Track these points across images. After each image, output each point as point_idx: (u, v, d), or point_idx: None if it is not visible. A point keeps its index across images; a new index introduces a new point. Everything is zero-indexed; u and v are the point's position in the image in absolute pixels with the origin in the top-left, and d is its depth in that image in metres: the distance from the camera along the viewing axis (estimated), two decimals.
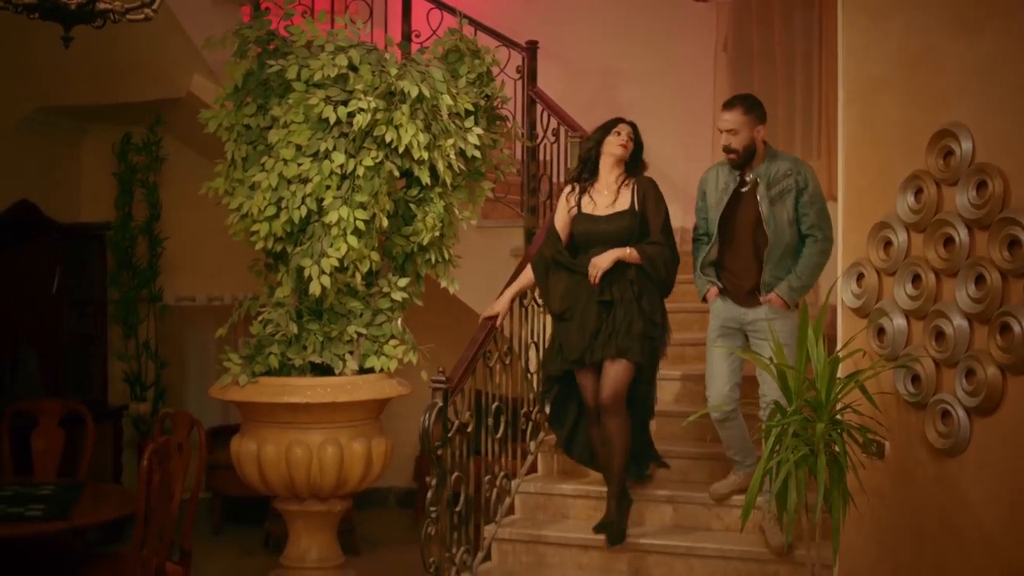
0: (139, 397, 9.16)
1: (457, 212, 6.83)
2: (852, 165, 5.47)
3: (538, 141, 8.05)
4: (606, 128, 6.36)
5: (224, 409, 9.46)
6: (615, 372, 6.05)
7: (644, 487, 6.48)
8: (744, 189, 6.04)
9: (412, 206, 6.70)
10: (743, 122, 5.96)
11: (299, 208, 6.40)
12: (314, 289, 6.32)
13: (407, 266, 6.85)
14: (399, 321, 6.73)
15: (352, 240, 6.33)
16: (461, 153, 6.66)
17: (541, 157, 8.06)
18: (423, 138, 6.38)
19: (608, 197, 6.29)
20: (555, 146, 7.89)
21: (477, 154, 6.70)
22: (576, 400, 6.36)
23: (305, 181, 6.41)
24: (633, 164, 6.34)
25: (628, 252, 6.13)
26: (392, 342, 6.67)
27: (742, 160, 6.02)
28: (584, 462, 6.53)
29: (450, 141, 6.52)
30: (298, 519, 6.80)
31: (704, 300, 6.29)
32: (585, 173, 6.39)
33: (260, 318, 6.69)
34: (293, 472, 6.51)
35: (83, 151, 9.42)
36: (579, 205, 6.34)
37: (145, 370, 9.28)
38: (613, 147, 6.29)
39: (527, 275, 6.61)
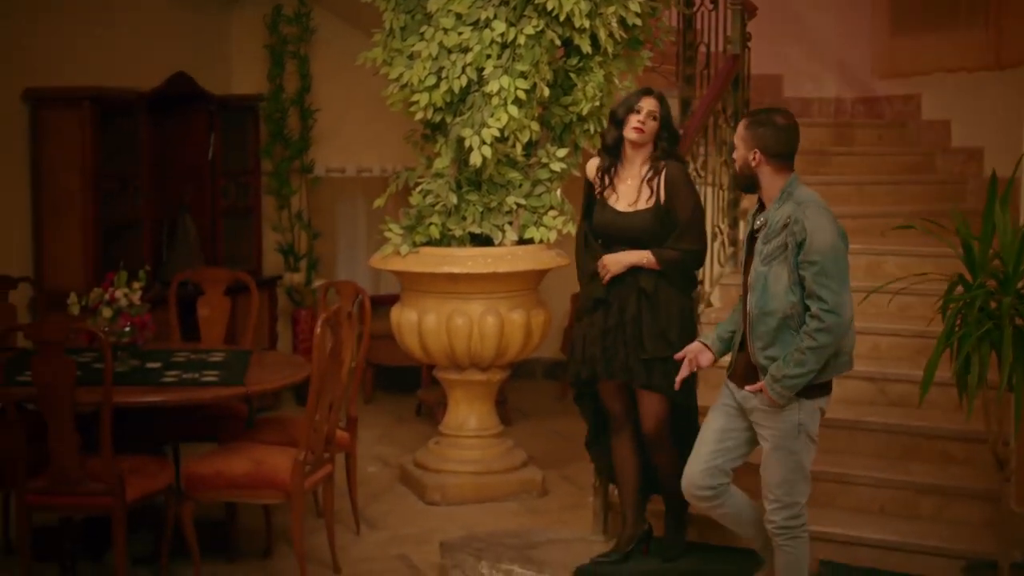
0: (293, 267, 9.28)
1: (617, 82, 6.74)
2: None
3: (695, 8, 7.84)
4: (628, 105, 5.39)
5: (374, 280, 9.57)
6: (649, 404, 5.31)
7: None
8: (757, 237, 4.74)
9: (572, 75, 6.62)
10: (741, 137, 4.73)
11: (459, 78, 6.37)
12: (475, 159, 6.31)
13: (565, 136, 6.80)
14: (558, 192, 6.70)
15: (513, 110, 6.29)
16: (621, 21, 6.54)
17: (698, 25, 7.86)
18: (584, 6, 6.29)
19: (632, 189, 5.38)
20: (713, 14, 7.67)
21: (638, 22, 6.59)
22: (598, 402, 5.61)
23: (465, 50, 6.37)
24: (663, 144, 5.40)
25: (646, 258, 5.29)
26: (551, 213, 6.66)
27: (740, 183, 4.88)
28: (604, 473, 5.82)
29: (611, 8, 6.41)
30: (458, 388, 6.88)
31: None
32: (609, 158, 5.48)
33: (419, 189, 6.72)
34: (454, 341, 6.58)
35: (234, 23, 9.43)
36: (603, 191, 5.47)
37: (298, 241, 9.39)
38: (628, 130, 5.35)
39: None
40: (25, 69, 7.61)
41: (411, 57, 6.56)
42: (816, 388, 4.60)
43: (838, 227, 4.59)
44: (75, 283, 7.50)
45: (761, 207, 4.76)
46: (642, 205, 5.34)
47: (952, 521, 5.52)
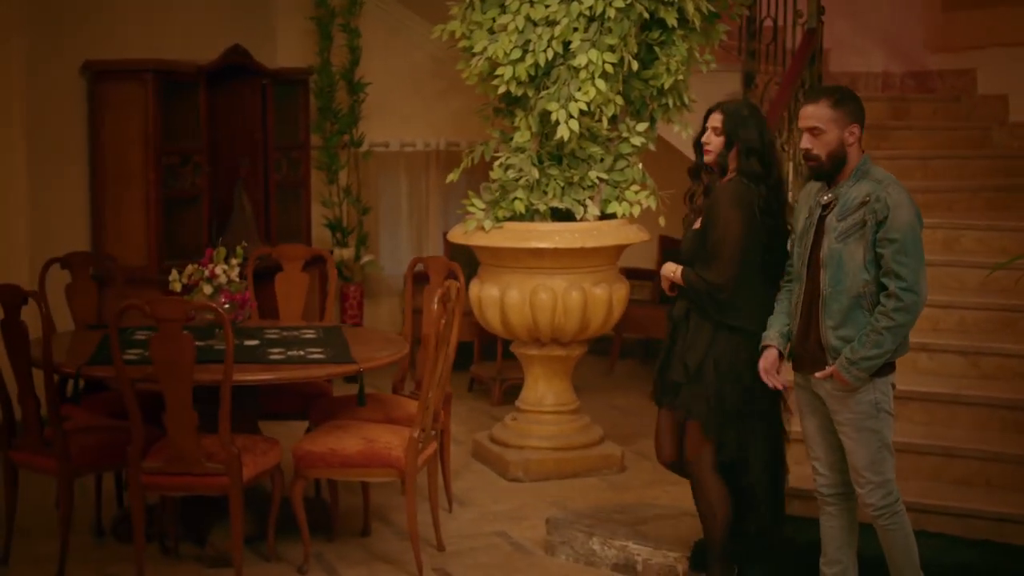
0: (341, 243, 9.19)
1: (697, 55, 6.71)
2: None
3: None
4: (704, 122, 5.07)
5: (419, 255, 9.48)
6: (687, 431, 5.00)
7: None
8: (826, 214, 4.57)
9: (656, 48, 6.58)
10: (830, 119, 4.47)
11: (545, 51, 6.31)
12: (561, 133, 6.26)
13: (643, 110, 6.76)
14: (639, 165, 6.67)
15: (600, 84, 6.26)
16: None
17: None
18: None
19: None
20: None
21: None
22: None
23: (552, 23, 6.32)
24: (720, 160, 4.97)
25: (676, 272, 4.99)
26: (633, 187, 6.62)
27: (828, 171, 4.54)
28: None
29: None
30: (537, 364, 6.85)
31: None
32: (692, 181, 5.19)
33: (498, 163, 6.66)
34: (538, 316, 6.55)
35: None
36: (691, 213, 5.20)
37: (346, 216, 9.29)
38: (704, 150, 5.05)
39: None
40: (82, 42, 7.50)
41: (492, 31, 6.49)
42: (885, 366, 4.51)
43: (915, 206, 4.49)
44: (136, 259, 7.45)
45: (825, 185, 4.62)
46: (696, 226, 5.05)
47: None
